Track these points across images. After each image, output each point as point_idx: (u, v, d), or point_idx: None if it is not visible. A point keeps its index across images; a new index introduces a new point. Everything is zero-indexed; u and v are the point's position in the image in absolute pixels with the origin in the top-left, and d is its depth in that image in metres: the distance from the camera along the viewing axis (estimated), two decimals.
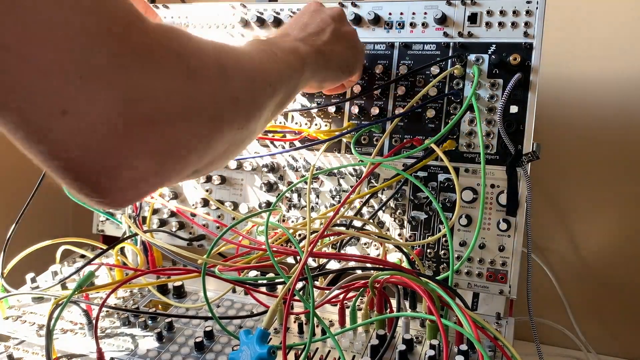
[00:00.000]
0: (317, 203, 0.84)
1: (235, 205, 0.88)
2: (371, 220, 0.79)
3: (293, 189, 0.85)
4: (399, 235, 0.80)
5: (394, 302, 0.68)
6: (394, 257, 0.79)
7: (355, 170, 0.82)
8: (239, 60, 0.47)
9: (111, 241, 0.87)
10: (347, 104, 0.82)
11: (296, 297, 0.70)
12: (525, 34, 0.73)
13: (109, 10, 0.34)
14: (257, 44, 0.57)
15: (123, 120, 0.34)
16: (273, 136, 0.84)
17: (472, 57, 0.75)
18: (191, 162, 0.41)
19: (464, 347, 0.62)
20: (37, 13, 0.30)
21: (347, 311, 0.71)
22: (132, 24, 0.35)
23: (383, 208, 0.79)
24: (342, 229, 0.77)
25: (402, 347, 0.63)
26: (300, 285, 0.72)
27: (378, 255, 0.80)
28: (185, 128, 0.38)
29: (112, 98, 0.33)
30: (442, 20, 0.77)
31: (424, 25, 0.79)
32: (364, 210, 0.80)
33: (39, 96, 0.31)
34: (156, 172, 0.38)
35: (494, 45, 0.75)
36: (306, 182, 0.81)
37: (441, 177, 0.77)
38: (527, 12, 0.73)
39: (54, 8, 0.31)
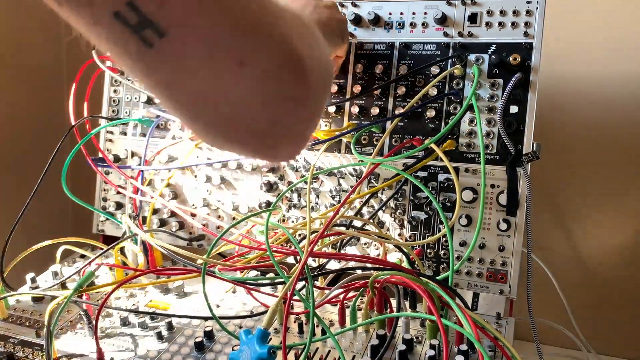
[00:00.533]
0: (317, 203, 0.84)
1: (235, 206, 0.88)
2: (371, 220, 0.79)
3: (293, 189, 0.85)
4: (399, 235, 0.80)
5: (394, 302, 0.68)
6: (394, 257, 0.79)
7: (355, 170, 0.82)
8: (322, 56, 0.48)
9: (111, 241, 0.87)
10: (347, 104, 0.82)
11: (296, 297, 0.70)
12: (525, 34, 0.73)
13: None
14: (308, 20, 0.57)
15: (304, 124, 0.39)
16: None
17: (472, 57, 0.75)
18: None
19: (464, 347, 0.62)
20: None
21: (347, 311, 0.71)
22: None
23: (383, 208, 0.79)
24: (342, 229, 0.77)
25: (402, 347, 0.63)
26: (300, 285, 0.72)
27: (378, 255, 0.80)
28: (317, 120, 0.43)
29: (281, 44, 0.34)
30: (442, 20, 0.77)
31: (424, 25, 0.79)
32: (364, 210, 0.80)
33: (217, 48, 0.31)
34: (307, 137, 0.42)
35: (494, 45, 0.75)
36: (306, 182, 0.81)
37: (441, 177, 0.77)
38: (527, 12, 0.73)
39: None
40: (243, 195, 0.88)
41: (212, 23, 0.30)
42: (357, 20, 0.81)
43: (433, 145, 0.71)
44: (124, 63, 0.32)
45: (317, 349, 0.67)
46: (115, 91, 0.97)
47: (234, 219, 0.88)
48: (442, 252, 0.77)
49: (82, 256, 0.92)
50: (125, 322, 0.74)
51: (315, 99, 0.38)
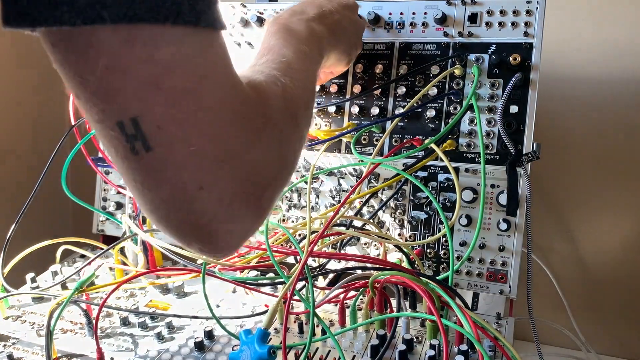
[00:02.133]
0: (317, 203, 0.84)
1: None
2: (371, 220, 0.79)
3: (293, 188, 0.85)
4: (399, 235, 0.80)
5: (394, 302, 0.68)
6: (394, 257, 0.79)
7: (355, 170, 0.82)
8: (299, 96, 0.51)
9: (111, 241, 0.87)
10: (347, 104, 0.82)
11: (296, 297, 0.70)
12: (526, 34, 0.73)
13: (237, 101, 0.39)
14: (285, 41, 0.58)
15: (243, 193, 0.39)
16: None
17: (472, 57, 0.75)
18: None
19: (464, 347, 0.62)
20: (184, 101, 0.35)
21: (347, 311, 0.71)
22: (248, 110, 0.40)
23: (383, 208, 0.79)
24: (342, 229, 0.77)
25: (402, 347, 0.63)
26: (300, 285, 0.72)
27: (378, 255, 0.80)
28: (278, 186, 0.45)
29: (237, 176, 0.38)
30: (442, 20, 0.77)
31: (424, 25, 0.79)
32: (364, 210, 0.80)
33: (185, 172, 0.36)
34: (259, 223, 0.44)
35: (494, 45, 0.75)
36: (306, 182, 0.81)
37: (441, 177, 0.77)
38: (527, 12, 0.73)
39: (197, 99, 0.35)
40: None
41: (193, 154, 0.36)
42: None
43: (433, 145, 0.71)
44: (111, 154, 0.37)
45: (317, 349, 0.67)
46: None
47: None
48: (442, 252, 0.77)
49: (82, 256, 0.92)
50: (125, 322, 0.74)
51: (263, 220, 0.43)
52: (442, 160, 0.75)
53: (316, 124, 0.84)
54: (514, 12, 0.74)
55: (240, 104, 0.39)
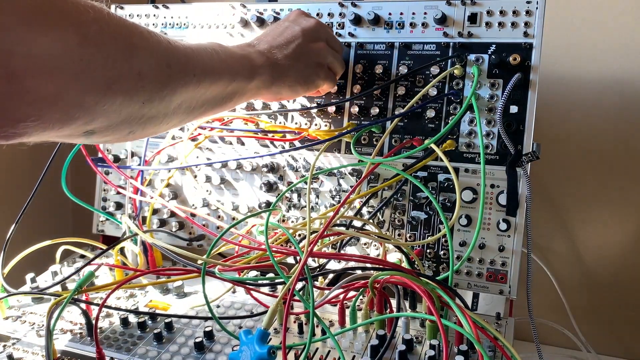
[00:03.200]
0: (317, 203, 0.84)
1: (235, 206, 0.88)
2: (371, 220, 0.79)
3: (293, 189, 0.85)
4: (399, 235, 0.80)
5: (394, 302, 0.68)
6: (394, 257, 0.79)
7: (355, 170, 0.82)
8: (158, 44, 0.51)
9: (111, 241, 0.87)
10: (347, 104, 0.82)
11: (296, 297, 0.70)
12: (525, 34, 0.73)
13: None
14: (210, 44, 0.60)
15: (5, 72, 0.37)
16: (273, 136, 0.84)
17: (472, 57, 0.75)
18: (78, 118, 0.45)
19: (464, 347, 0.62)
20: None
21: (347, 311, 0.71)
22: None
23: (383, 208, 0.79)
24: (342, 229, 0.77)
25: (402, 347, 0.63)
26: (300, 285, 0.72)
27: (378, 255, 0.80)
28: (70, 85, 0.42)
29: None
30: (442, 20, 0.77)
31: (424, 25, 0.79)
32: (364, 210, 0.80)
33: None
34: (36, 118, 0.42)
35: (494, 45, 0.75)
36: (306, 182, 0.81)
37: (441, 177, 0.77)
38: (527, 12, 0.73)
39: None
40: (243, 195, 0.88)
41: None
42: (357, 20, 0.81)
43: (433, 145, 0.71)
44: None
45: (317, 349, 0.67)
46: None
47: (233, 219, 0.88)
48: (442, 252, 0.77)
49: (82, 256, 0.92)
50: (125, 323, 0.74)
51: None
52: (442, 160, 0.75)
53: (316, 124, 0.84)
54: (514, 12, 0.74)
55: None
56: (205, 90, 0.58)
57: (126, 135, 0.54)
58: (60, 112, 0.43)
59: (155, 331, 0.70)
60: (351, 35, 0.82)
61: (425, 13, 0.79)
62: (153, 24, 0.94)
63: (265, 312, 0.74)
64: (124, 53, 0.47)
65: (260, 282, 0.80)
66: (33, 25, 0.39)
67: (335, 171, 0.82)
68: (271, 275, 0.77)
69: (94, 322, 0.67)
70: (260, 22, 0.86)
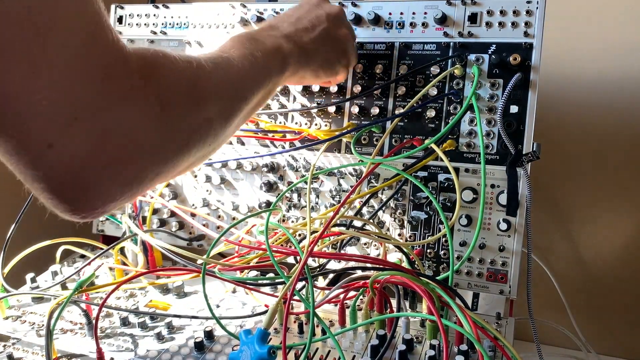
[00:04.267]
0: (317, 203, 0.84)
1: (235, 206, 0.88)
2: (371, 220, 0.79)
3: (293, 189, 0.85)
4: (399, 235, 0.80)
5: (394, 302, 0.68)
6: (394, 257, 0.79)
7: (355, 170, 0.82)
8: (218, 82, 0.50)
9: (111, 241, 0.87)
10: (347, 104, 0.82)
11: (296, 297, 0.70)
12: (526, 34, 0.73)
13: (96, 53, 0.37)
14: (241, 45, 0.58)
15: (98, 156, 0.37)
16: (273, 136, 0.84)
17: (472, 57, 0.75)
18: (157, 182, 0.45)
19: (464, 347, 0.62)
20: (30, 53, 0.33)
21: (347, 311, 0.71)
22: (115, 65, 0.38)
23: (383, 208, 0.79)
24: (342, 229, 0.76)
25: (402, 347, 0.63)
26: (300, 285, 0.72)
27: (378, 255, 0.80)
28: (155, 158, 0.42)
29: (91, 135, 0.36)
30: (442, 20, 0.77)
31: (424, 25, 0.79)
32: (364, 210, 0.80)
33: (31, 129, 0.34)
34: (126, 197, 0.42)
35: (494, 45, 0.75)
36: (306, 182, 0.81)
37: (441, 177, 0.77)
38: (527, 12, 0.73)
39: (43, 50, 0.33)
40: (243, 195, 0.88)
41: (39, 105, 0.35)
42: (357, 20, 0.81)
43: (433, 145, 0.71)
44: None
45: (317, 349, 0.67)
46: None
47: (234, 219, 0.88)
48: (442, 252, 0.77)
49: (82, 256, 0.92)
50: (125, 322, 0.74)
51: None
52: (442, 160, 0.75)
53: (316, 124, 0.84)
54: (514, 12, 0.74)
55: (102, 58, 0.37)
56: (255, 100, 0.58)
57: (187, 171, 0.54)
58: (142, 186, 0.43)
59: (156, 331, 0.70)
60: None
61: (425, 13, 0.79)
62: (153, 24, 0.94)
63: (265, 312, 0.74)
64: (193, 106, 0.46)
65: (260, 282, 0.80)
66: (126, 103, 0.38)
67: (335, 171, 0.82)
68: (271, 275, 0.77)
69: (94, 322, 0.67)
70: (260, 21, 0.86)
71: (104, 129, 0.37)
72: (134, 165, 0.40)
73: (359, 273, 0.71)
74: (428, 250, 0.78)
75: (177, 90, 0.43)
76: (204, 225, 0.87)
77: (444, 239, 0.77)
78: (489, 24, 0.75)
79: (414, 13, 0.79)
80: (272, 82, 0.62)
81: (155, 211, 0.93)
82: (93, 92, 0.36)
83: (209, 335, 0.70)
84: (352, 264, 0.73)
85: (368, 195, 0.78)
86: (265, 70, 0.59)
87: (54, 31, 0.34)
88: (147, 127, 0.40)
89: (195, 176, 0.90)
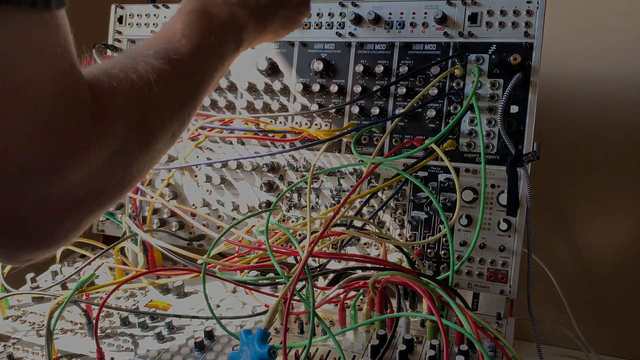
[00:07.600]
0: (317, 203, 0.84)
1: (235, 206, 0.88)
2: (371, 220, 0.79)
3: (293, 188, 0.85)
4: (399, 235, 0.80)
5: (394, 302, 0.68)
6: (394, 257, 0.78)
7: (355, 170, 0.82)
8: (169, 105, 0.47)
9: (111, 241, 0.87)
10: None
11: (296, 297, 0.70)
12: (526, 34, 0.73)
13: (63, 100, 0.34)
14: (193, 29, 0.53)
15: (46, 215, 0.35)
16: (273, 136, 0.84)
17: (472, 57, 0.75)
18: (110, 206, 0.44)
19: (464, 347, 0.62)
20: None
21: (348, 311, 0.71)
22: (82, 119, 0.35)
23: (383, 208, 0.79)
24: (342, 229, 0.76)
25: (403, 347, 0.63)
26: (300, 285, 0.72)
27: (378, 255, 0.80)
28: (102, 203, 0.41)
29: (38, 198, 0.34)
30: (443, 20, 0.77)
31: (424, 25, 0.79)
32: (364, 210, 0.80)
33: None
34: (80, 228, 0.40)
35: (495, 45, 0.75)
36: (306, 182, 0.81)
37: (441, 177, 0.77)
38: (528, 12, 0.73)
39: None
40: (243, 195, 0.88)
41: None
42: (358, 20, 0.81)
43: (433, 145, 0.71)
44: None
45: (318, 349, 0.67)
46: None
47: (234, 219, 0.88)
48: (443, 252, 0.77)
49: (82, 256, 0.92)
50: (125, 322, 0.74)
51: None
52: (442, 160, 0.75)
53: (316, 124, 0.84)
54: (514, 12, 0.74)
55: (64, 108, 0.33)
56: (209, 91, 0.57)
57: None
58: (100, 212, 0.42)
59: (156, 331, 0.70)
60: (351, 35, 0.82)
61: (425, 13, 0.79)
62: (153, 24, 0.94)
63: (265, 312, 0.74)
64: (147, 146, 0.44)
65: (260, 282, 0.80)
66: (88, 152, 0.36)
67: (335, 171, 0.82)
68: (271, 275, 0.77)
69: (94, 322, 0.67)
70: None
71: (50, 190, 0.35)
72: (89, 210, 0.39)
73: (359, 273, 0.71)
74: (428, 250, 0.78)
75: (131, 138, 0.41)
76: (204, 225, 0.87)
77: (444, 239, 0.77)
78: (489, 24, 0.75)
79: (414, 13, 0.79)
80: (228, 62, 0.59)
81: (155, 211, 0.93)
82: (47, 151, 0.33)
83: (209, 335, 0.69)
84: (352, 264, 0.73)
85: (368, 195, 0.78)
86: (219, 57, 0.56)
87: (19, 71, 0.32)
88: (94, 186, 0.38)
89: (195, 176, 0.90)
